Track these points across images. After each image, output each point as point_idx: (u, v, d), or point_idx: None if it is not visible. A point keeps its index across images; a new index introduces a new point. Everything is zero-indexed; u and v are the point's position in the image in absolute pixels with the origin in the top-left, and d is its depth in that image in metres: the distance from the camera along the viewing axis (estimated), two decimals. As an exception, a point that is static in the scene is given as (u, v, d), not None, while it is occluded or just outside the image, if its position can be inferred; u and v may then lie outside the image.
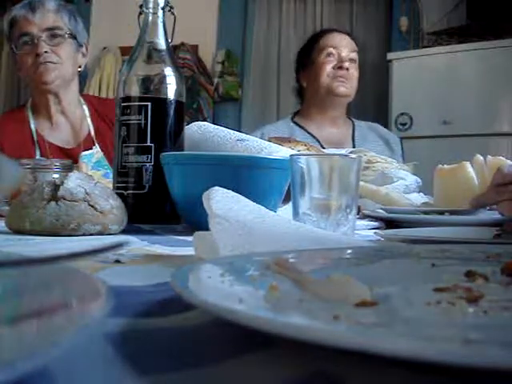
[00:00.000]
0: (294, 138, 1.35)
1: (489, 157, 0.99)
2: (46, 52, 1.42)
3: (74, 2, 3.78)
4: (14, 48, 1.45)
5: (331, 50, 1.83)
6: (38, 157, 1.44)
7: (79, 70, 1.54)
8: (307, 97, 1.91)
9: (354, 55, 1.86)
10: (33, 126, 1.50)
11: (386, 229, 0.82)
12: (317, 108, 1.87)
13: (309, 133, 1.84)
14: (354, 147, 1.79)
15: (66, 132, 1.54)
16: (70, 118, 1.54)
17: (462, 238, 0.57)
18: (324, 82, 1.82)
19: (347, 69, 1.81)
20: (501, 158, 0.97)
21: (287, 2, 3.81)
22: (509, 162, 0.93)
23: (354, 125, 1.93)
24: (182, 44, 3.56)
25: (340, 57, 1.83)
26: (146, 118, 0.76)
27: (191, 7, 3.31)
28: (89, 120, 1.54)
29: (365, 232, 0.77)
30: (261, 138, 0.89)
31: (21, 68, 1.47)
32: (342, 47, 1.84)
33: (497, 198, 0.73)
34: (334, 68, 1.82)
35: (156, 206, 0.76)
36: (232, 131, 0.84)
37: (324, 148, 1.63)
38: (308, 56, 1.89)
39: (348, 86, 1.83)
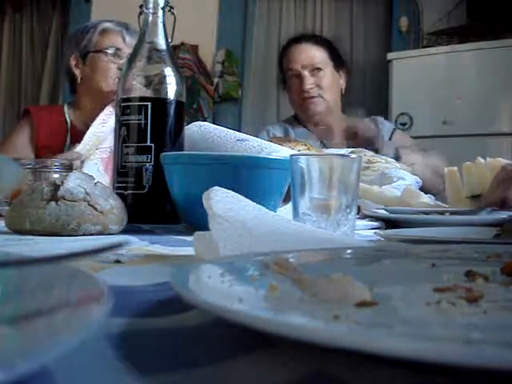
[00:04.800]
0: (294, 138, 1.35)
1: (488, 158, 1.01)
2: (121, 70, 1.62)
3: (73, 1, 3.79)
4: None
5: (290, 72, 1.80)
6: (68, 142, 1.65)
7: None
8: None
9: (320, 64, 1.78)
10: (68, 117, 1.70)
11: (386, 229, 0.82)
12: (307, 120, 1.87)
13: (313, 132, 1.84)
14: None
15: None
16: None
17: (461, 237, 0.57)
18: (297, 105, 1.82)
19: (311, 88, 1.76)
20: (500, 159, 0.98)
21: (287, 2, 3.81)
22: (508, 161, 0.94)
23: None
24: (182, 44, 3.56)
25: (300, 77, 1.77)
26: (146, 118, 0.76)
27: (191, 7, 3.31)
28: None
29: (365, 232, 0.77)
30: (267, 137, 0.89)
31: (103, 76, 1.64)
32: (300, 65, 1.78)
33: (504, 192, 0.74)
34: (298, 90, 1.79)
35: (156, 206, 0.76)
36: (232, 131, 0.84)
37: (326, 147, 1.64)
38: (283, 76, 1.88)
39: (318, 101, 1.78)
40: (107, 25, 1.68)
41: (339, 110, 1.89)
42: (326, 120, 1.84)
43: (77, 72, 1.68)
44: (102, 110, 1.69)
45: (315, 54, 1.81)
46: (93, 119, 1.71)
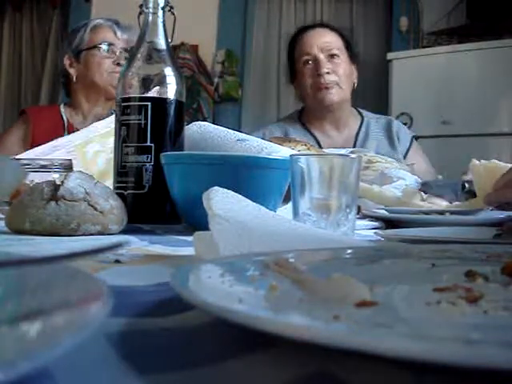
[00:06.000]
0: (294, 137, 1.34)
1: (482, 161, 1.02)
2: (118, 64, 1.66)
3: (73, 1, 3.79)
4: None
5: (306, 57, 1.69)
6: None
7: None
8: (306, 104, 1.81)
9: (337, 50, 1.70)
10: (64, 116, 1.72)
11: (386, 229, 0.82)
12: (316, 114, 1.78)
13: (313, 136, 1.76)
14: (354, 146, 1.71)
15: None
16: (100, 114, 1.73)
17: (462, 237, 0.57)
18: (309, 94, 1.71)
19: (328, 72, 1.67)
20: (495, 160, 0.99)
21: (287, 1, 3.81)
22: (503, 164, 0.94)
23: (362, 121, 1.80)
24: (182, 44, 3.56)
25: (317, 61, 1.68)
26: (146, 118, 0.76)
27: (191, 7, 3.31)
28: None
29: (365, 232, 0.77)
30: (263, 138, 0.88)
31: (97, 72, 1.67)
32: (316, 49, 1.68)
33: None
34: (313, 77, 1.68)
35: (156, 205, 0.76)
36: (232, 131, 0.84)
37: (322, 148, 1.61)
38: (293, 65, 1.78)
39: (334, 90, 1.69)
40: (97, 21, 1.70)
41: (350, 105, 1.80)
42: (338, 113, 1.76)
43: (72, 71, 1.69)
44: (99, 106, 1.70)
45: (332, 40, 1.73)
46: (89, 115, 1.71)
